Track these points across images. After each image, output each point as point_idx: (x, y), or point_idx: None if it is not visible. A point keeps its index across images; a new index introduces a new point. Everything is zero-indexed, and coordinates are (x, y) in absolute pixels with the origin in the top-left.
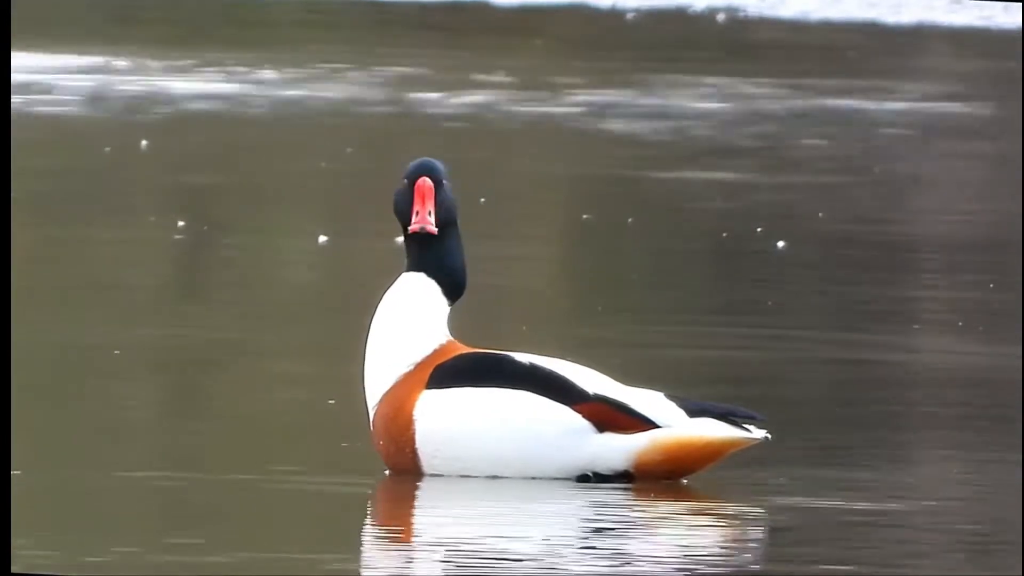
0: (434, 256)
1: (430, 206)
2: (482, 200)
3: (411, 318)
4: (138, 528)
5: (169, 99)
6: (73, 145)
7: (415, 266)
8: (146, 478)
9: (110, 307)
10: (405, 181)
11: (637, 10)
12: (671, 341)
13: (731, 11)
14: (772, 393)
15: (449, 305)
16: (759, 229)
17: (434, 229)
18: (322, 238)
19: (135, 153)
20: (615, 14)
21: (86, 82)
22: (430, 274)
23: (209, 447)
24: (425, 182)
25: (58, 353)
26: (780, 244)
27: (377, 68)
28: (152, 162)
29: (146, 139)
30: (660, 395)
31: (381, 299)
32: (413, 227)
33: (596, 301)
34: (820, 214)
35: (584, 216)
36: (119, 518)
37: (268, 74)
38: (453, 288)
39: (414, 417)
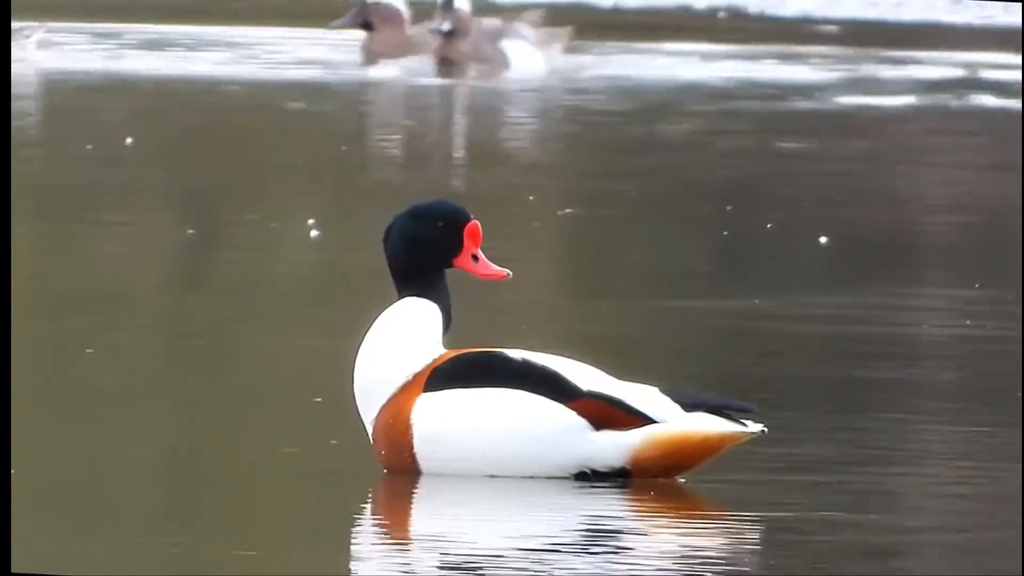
0: (442, 289)
1: None
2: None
3: (415, 335)
4: (132, 526)
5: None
6: (53, 141)
7: (421, 293)
8: (140, 479)
9: (99, 305)
10: (440, 224)
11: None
12: (671, 329)
13: (732, 9)
14: (772, 388)
15: (443, 334)
16: (769, 226)
17: (509, 273)
18: (313, 232)
19: (120, 149)
20: (617, 13)
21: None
22: (437, 304)
23: (202, 445)
24: (479, 226)
25: (53, 351)
26: (823, 239)
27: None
28: (139, 158)
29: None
30: (655, 390)
31: (378, 317)
32: (503, 274)
33: (596, 292)
34: (823, 209)
35: (567, 210)
36: (115, 517)
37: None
38: (449, 321)
39: (411, 421)
